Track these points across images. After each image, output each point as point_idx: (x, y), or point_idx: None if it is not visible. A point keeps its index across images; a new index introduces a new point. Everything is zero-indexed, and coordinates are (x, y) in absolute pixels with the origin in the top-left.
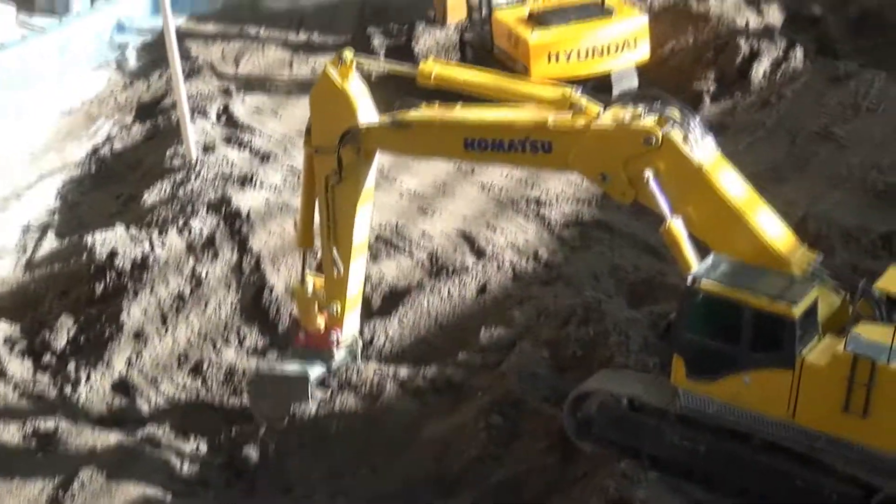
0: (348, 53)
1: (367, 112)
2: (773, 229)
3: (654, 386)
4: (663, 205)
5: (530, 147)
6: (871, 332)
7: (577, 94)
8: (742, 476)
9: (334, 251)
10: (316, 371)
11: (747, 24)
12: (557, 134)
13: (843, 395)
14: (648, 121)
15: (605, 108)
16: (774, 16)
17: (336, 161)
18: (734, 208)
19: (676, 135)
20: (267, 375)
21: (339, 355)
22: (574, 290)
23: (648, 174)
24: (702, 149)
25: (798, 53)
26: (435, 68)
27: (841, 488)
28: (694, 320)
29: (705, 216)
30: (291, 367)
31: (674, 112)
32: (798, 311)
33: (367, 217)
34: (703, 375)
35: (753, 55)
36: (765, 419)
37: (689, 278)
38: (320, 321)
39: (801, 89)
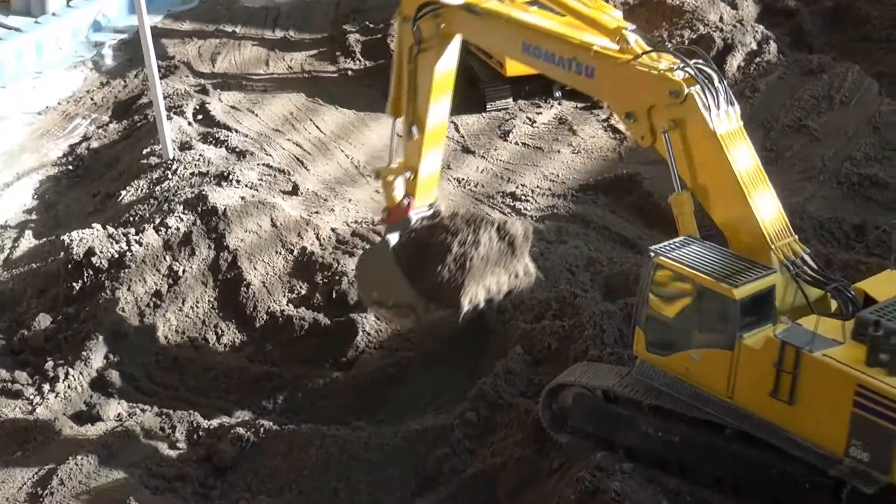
0: None
1: None
2: (767, 212)
3: (629, 378)
4: (672, 164)
5: (576, 68)
6: (811, 323)
7: (628, 31)
8: (716, 465)
9: (412, 119)
10: (394, 237)
11: (721, 18)
12: (599, 62)
13: (772, 380)
14: (680, 75)
15: (651, 51)
16: (749, 9)
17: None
18: (737, 181)
19: (700, 95)
20: (360, 265)
21: (414, 216)
22: (550, 284)
23: (665, 126)
24: (723, 116)
25: (772, 47)
26: None
27: (813, 477)
28: (652, 294)
29: (709, 181)
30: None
31: (708, 73)
32: (740, 293)
33: (447, 95)
34: (659, 349)
35: (728, 48)
36: (708, 398)
37: (651, 253)
38: (399, 194)
39: (776, 82)
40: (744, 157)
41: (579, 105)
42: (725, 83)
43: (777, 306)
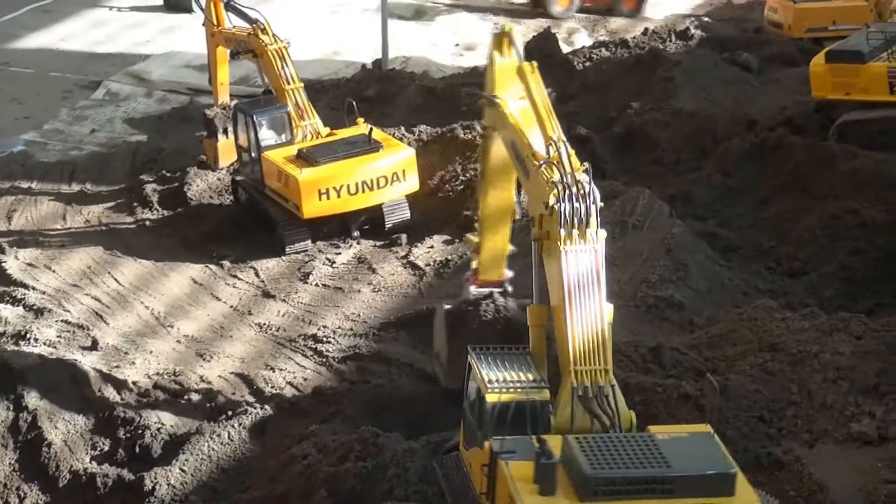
0: (508, 26)
1: (504, 88)
2: (583, 335)
3: None
4: (534, 273)
5: (522, 168)
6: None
7: (556, 138)
8: None
9: (480, 194)
10: (447, 303)
11: None
12: (530, 164)
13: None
14: (557, 189)
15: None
16: None
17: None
18: (563, 298)
19: (563, 211)
20: (435, 321)
21: (473, 290)
22: (353, 425)
23: (536, 235)
24: (576, 235)
25: None
26: (528, 69)
27: None
28: (465, 390)
29: (553, 296)
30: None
31: (582, 188)
32: (493, 398)
33: (505, 181)
34: (466, 443)
35: None
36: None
37: (469, 350)
38: (474, 263)
39: None
40: (582, 279)
41: (378, 243)
42: (596, 206)
43: (567, 426)
